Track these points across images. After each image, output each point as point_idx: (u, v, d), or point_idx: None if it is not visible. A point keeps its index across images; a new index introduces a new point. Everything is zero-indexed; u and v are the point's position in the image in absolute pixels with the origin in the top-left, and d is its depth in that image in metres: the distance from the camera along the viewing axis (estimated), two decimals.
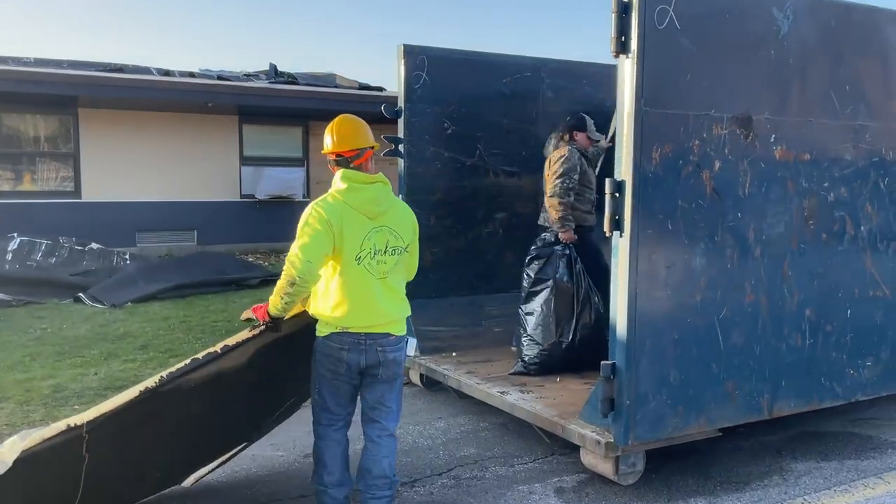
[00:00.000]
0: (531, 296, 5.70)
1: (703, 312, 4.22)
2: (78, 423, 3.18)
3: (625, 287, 3.99)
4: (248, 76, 15.13)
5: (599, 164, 6.15)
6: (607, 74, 6.77)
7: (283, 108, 14.03)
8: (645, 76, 3.89)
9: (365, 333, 3.45)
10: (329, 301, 3.45)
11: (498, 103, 6.53)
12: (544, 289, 5.60)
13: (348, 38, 42.38)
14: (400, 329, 3.60)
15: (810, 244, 4.59)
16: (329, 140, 3.57)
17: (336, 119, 3.63)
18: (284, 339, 3.70)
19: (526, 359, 5.60)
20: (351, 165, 3.52)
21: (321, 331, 3.52)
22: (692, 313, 4.19)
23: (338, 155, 3.54)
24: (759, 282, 4.40)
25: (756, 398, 4.48)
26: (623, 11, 3.87)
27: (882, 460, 4.78)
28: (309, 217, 3.39)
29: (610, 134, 6.16)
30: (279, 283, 3.39)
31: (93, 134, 13.31)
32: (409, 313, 3.70)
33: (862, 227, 4.79)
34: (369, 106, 13.06)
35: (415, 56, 6.14)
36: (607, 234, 4.04)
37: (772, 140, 4.37)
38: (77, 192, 13.29)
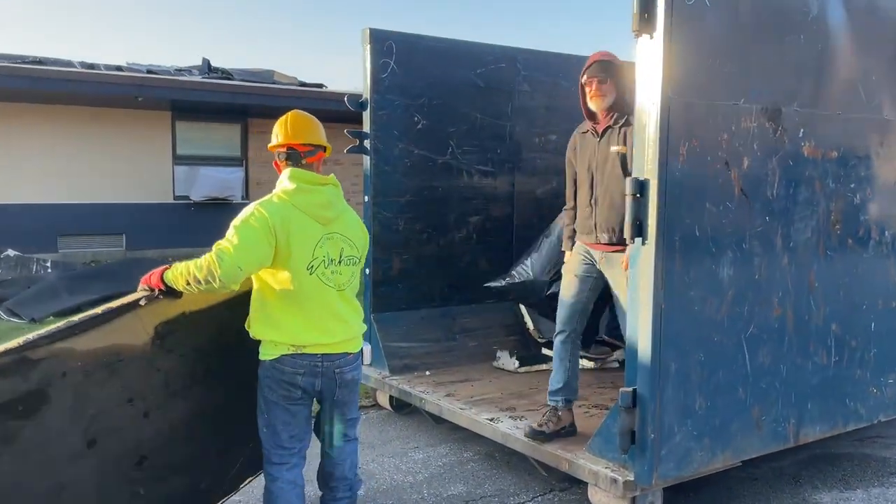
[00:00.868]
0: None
1: (730, 330, 3.72)
2: None
3: (648, 302, 3.45)
4: (179, 70, 14.20)
5: None
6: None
7: (220, 104, 13.16)
8: (673, 59, 3.37)
9: (322, 355, 3.07)
10: (277, 317, 3.04)
11: (471, 96, 5.94)
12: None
13: (284, 36, 41.18)
14: (357, 346, 3.25)
15: (837, 251, 4.15)
16: (280, 132, 3.19)
17: (288, 113, 3.27)
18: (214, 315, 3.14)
19: (514, 277, 5.69)
20: (303, 162, 3.16)
21: (268, 353, 3.07)
22: (719, 331, 3.68)
23: (289, 148, 3.16)
24: (787, 294, 3.93)
25: (782, 425, 4.00)
26: None
27: None
28: (249, 217, 2.96)
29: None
30: (191, 269, 2.89)
31: (9, 129, 12.24)
32: (366, 328, 3.38)
33: (886, 233, 4.38)
34: (310, 103, 12.49)
35: (382, 42, 5.51)
36: (628, 242, 3.50)
37: (800, 135, 3.90)
38: None
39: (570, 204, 4.43)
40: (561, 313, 4.28)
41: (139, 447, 3.04)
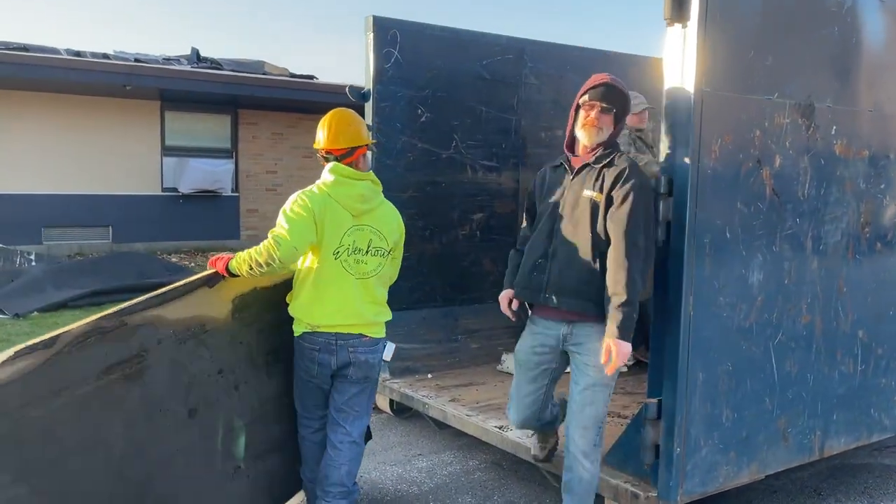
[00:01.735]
0: None
1: (758, 337, 3.53)
2: None
3: (676, 309, 3.25)
4: (167, 59, 13.87)
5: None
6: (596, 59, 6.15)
7: (210, 94, 12.86)
8: (706, 50, 3.16)
9: (335, 334, 3.32)
10: (302, 297, 3.36)
11: (477, 88, 5.72)
12: None
13: (274, 27, 40.72)
14: (376, 332, 3.45)
15: (866, 255, 3.96)
16: (322, 135, 3.46)
17: (331, 113, 3.51)
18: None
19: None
20: (341, 163, 3.44)
21: (296, 330, 3.40)
22: (748, 338, 3.49)
23: (327, 152, 3.44)
24: (816, 299, 3.74)
25: (808, 436, 3.82)
26: None
27: None
28: (294, 205, 3.29)
29: None
30: (252, 255, 3.18)
31: None
32: (389, 318, 3.53)
33: None
34: (301, 94, 12.23)
35: (386, 30, 5.27)
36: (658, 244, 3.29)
37: (833, 133, 3.71)
38: None
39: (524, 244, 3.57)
40: (514, 415, 3.57)
41: (234, 421, 3.27)
